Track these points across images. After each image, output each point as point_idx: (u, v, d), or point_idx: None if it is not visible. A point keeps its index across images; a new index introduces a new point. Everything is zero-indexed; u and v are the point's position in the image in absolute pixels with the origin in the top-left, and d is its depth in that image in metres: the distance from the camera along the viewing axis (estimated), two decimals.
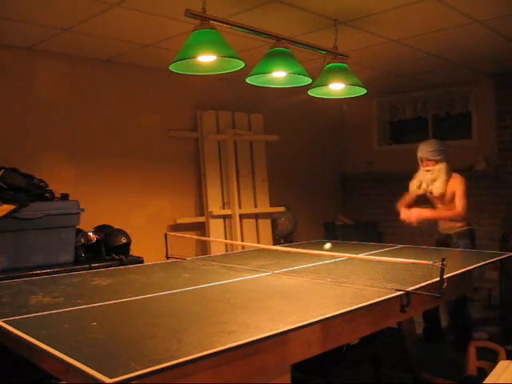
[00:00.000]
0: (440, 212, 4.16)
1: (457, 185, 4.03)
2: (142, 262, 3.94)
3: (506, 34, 4.11)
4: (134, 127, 4.98)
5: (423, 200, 4.34)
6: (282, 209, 5.94)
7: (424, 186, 4.13)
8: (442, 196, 4.09)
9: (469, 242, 4.08)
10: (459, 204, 4.01)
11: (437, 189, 4.05)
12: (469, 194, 4.06)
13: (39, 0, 3.23)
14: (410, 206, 4.24)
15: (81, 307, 2.11)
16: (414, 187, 4.22)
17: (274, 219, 5.93)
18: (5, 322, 1.87)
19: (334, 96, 3.91)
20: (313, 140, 6.76)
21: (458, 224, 4.12)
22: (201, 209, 5.50)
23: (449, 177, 4.05)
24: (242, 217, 5.60)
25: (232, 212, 5.51)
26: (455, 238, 4.10)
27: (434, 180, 4.07)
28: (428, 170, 4.10)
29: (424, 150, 4.11)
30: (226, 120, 5.63)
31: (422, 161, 4.15)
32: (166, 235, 3.59)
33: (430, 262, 2.28)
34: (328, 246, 3.47)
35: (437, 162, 4.06)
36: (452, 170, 4.12)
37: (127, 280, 2.84)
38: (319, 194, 6.87)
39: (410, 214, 4.05)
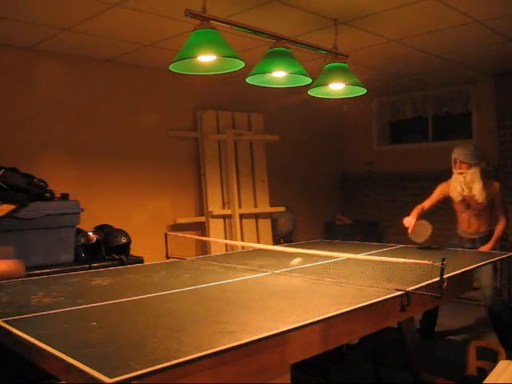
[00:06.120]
0: (498, 233, 4.01)
1: (496, 192, 3.97)
2: (141, 261, 3.94)
3: (506, 34, 4.11)
4: (134, 127, 4.98)
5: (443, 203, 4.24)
6: (282, 209, 5.94)
7: (461, 190, 3.98)
8: (479, 203, 3.98)
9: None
10: (504, 212, 3.99)
11: (478, 195, 3.93)
12: None
13: (39, 0, 3.23)
14: (427, 210, 4.17)
15: (81, 307, 2.11)
16: (454, 194, 4.06)
17: (274, 219, 5.93)
18: (5, 321, 1.86)
19: (334, 96, 3.90)
20: (313, 140, 6.76)
21: (482, 228, 4.07)
22: (201, 209, 5.50)
23: (485, 182, 3.95)
24: (242, 217, 5.60)
25: (232, 212, 5.51)
26: (479, 242, 4.03)
27: (469, 184, 3.95)
28: (461, 173, 3.98)
29: (459, 152, 4.02)
30: (226, 120, 5.63)
31: (455, 162, 4.03)
32: (166, 235, 3.59)
33: (430, 262, 2.28)
34: (296, 261, 3.24)
35: (471, 165, 3.95)
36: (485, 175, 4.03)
37: (127, 280, 2.84)
38: (319, 194, 6.87)
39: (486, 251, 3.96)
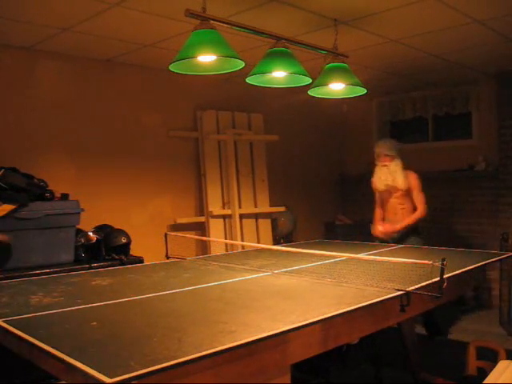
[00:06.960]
0: (409, 219, 4.29)
1: (414, 180, 4.32)
2: (142, 261, 3.94)
3: (506, 34, 4.11)
4: (134, 127, 4.98)
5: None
6: (282, 209, 5.94)
7: (384, 180, 4.35)
8: (400, 190, 4.34)
9: (417, 239, 4.29)
10: (421, 200, 4.28)
11: (401, 183, 4.29)
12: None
13: (39, 0, 3.23)
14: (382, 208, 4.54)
15: (81, 307, 2.11)
16: (378, 184, 4.44)
17: (274, 219, 5.93)
18: (5, 321, 1.86)
19: (334, 96, 3.90)
20: (313, 140, 6.75)
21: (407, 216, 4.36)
22: (201, 209, 5.50)
23: (405, 173, 4.34)
24: (242, 217, 5.60)
25: (232, 212, 5.51)
26: (405, 233, 4.29)
27: (392, 173, 4.32)
28: (385, 165, 4.35)
29: (381, 146, 4.41)
30: (226, 120, 5.63)
31: (379, 156, 4.43)
32: (166, 235, 3.59)
33: (430, 262, 2.28)
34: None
35: (393, 158, 4.35)
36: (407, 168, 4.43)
37: (127, 280, 2.84)
38: (319, 193, 6.86)
39: (384, 230, 4.34)
